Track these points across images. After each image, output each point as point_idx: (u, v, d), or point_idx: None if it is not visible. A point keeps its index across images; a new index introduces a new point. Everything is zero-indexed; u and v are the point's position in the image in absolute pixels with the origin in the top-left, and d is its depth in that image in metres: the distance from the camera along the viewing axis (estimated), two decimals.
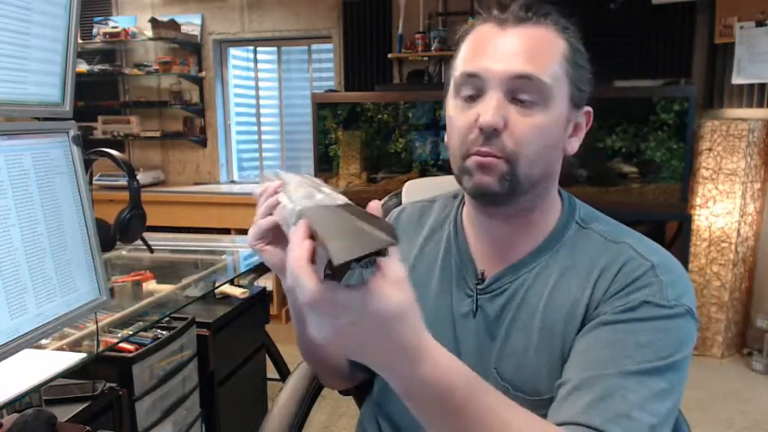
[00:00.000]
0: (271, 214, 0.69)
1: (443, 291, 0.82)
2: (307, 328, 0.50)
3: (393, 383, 0.54)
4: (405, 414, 0.83)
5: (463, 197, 0.87)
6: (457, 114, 0.74)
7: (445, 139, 0.79)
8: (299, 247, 0.47)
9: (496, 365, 0.75)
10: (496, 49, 0.70)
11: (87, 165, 1.01)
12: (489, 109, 0.69)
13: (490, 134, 0.69)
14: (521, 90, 0.69)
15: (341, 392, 1.19)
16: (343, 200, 0.53)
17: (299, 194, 0.57)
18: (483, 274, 0.79)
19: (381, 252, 0.47)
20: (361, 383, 0.98)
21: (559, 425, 0.61)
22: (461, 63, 0.74)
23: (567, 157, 0.77)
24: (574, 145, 0.76)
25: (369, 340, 0.48)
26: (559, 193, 0.81)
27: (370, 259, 0.47)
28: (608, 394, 0.62)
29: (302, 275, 0.45)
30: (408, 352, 0.50)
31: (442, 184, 1.23)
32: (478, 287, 0.79)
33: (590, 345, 0.67)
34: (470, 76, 0.71)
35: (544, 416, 0.62)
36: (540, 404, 0.68)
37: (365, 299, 0.46)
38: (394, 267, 0.47)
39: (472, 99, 0.72)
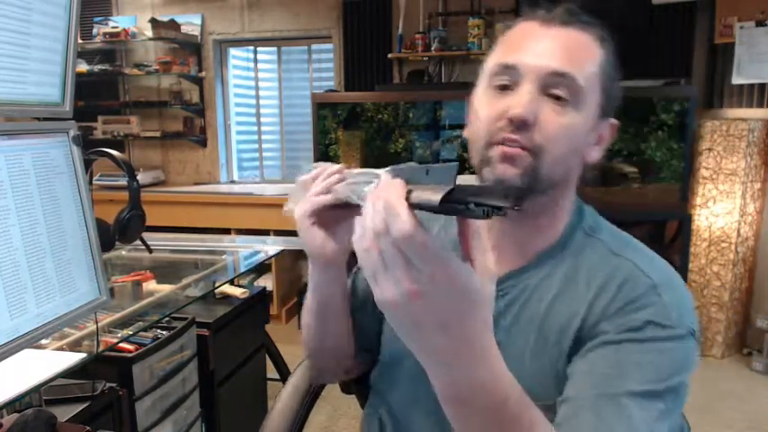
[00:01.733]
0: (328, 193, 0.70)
1: None
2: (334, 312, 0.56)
3: (445, 386, 0.52)
4: (404, 406, 0.83)
5: None
6: (484, 102, 0.73)
7: (464, 133, 0.78)
8: (390, 185, 0.47)
9: None
10: (537, 44, 0.71)
11: (87, 165, 1.01)
12: (522, 101, 0.69)
13: (520, 126, 0.68)
14: (555, 87, 0.69)
15: (343, 391, 1.19)
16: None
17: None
18: None
19: (502, 209, 0.44)
20: (359, 377, 0.98)
21: None
22: (499, 54, 0.74)
23: (586, 166, 0.77)
24: (595, 155, 0.76)
25: (441, 315, 0.47)
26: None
27: (486, 209, 0.44)
28: (610, 415, 0.61)
29: (400, 207, 0.45)
30: (474, 347, 0.49)
31: None
32: None
33: (593, 364, 0.67)
34: (507, 68, 0.71)
35: None
36: None
37: (457, 267, 0.46)
38: (487, 263, 0.49)
39: (504, 89, 0.72)
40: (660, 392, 0.63)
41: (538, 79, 0.69)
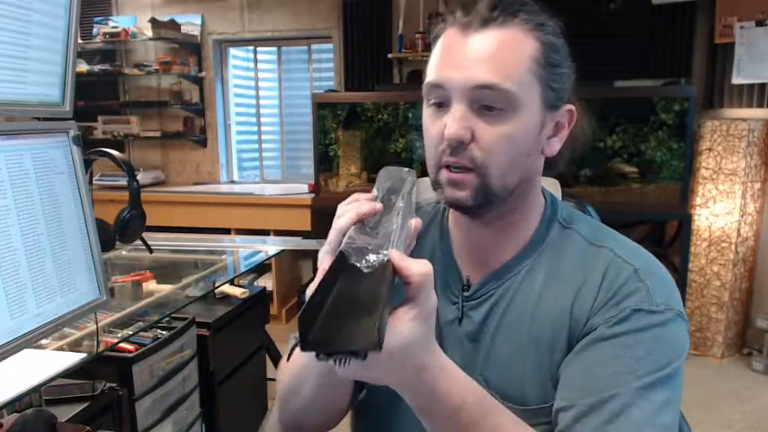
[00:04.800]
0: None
1: None
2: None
3: (410, 400, 0.59)
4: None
5: None
6: (429, 123, 0.72)
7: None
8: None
9: (482, 373, 0.73)
10: (458, 57, 0.68)
11: (87, 165, 1.01)
12: (453, 121, 0.67)
13: (457, 146, 0.67)
14: (485, 100, 0.66)
15: None
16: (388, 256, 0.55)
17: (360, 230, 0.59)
18: (468, 279, 0.77)
19: (357, 354, 0.48)
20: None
21: None
22: (430, 71, 0.71)
23: (549, 158, 0.74)
24: (554, 146, 0.73)
25: (388, 370, 0.54)
26: (543, 193, 0.78)
27: (339, 359, 0.49)
28: (614, 416, 0.61)
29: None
30: (429, 372, 0.56)
31: None
32: (464, 294, 0.77)
33: (589, 364, 0.66)
34: (435, 87, 0.69)
35: (533, 425, 0.63)
36: (527, 413, 0.67)
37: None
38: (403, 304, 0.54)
39: (441, 106, 0.70)
40: (661, 381, 0.63)
41: (465, 96, 0.67)
